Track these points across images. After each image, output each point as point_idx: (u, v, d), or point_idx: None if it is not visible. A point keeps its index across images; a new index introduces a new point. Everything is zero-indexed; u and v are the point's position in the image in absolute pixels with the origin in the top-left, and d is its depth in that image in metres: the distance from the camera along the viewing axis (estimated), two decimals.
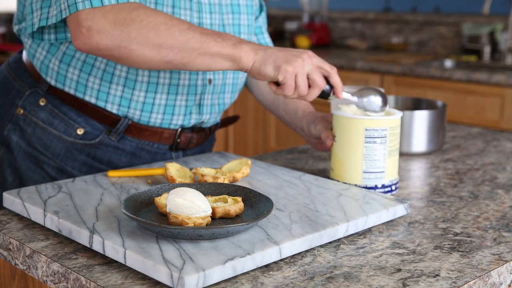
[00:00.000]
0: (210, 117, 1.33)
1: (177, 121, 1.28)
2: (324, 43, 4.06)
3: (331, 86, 1.14)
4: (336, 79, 1.13)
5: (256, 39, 1.46)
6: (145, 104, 1.23)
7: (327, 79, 1.14)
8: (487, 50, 3.34)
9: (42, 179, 1.27)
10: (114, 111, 1.24)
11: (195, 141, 1.34)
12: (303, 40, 3.94)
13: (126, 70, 1.20)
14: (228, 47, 1.08)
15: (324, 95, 1.14)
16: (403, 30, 3.82)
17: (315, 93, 1.12)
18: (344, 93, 1.15)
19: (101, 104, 1.23)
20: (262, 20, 1.47)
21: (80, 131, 1.25)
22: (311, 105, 1.39)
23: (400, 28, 3.83)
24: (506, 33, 3.30)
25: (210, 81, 1.28)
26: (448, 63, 3.34)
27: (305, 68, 1.09)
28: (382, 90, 1.34)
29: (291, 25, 4.22)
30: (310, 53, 1.11)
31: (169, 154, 1.32)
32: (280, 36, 4.34)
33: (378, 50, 3.89)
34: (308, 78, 1.11)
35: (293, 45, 4.01)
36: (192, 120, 1.30)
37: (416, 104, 1.63)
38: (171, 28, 1.06)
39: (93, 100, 1.23)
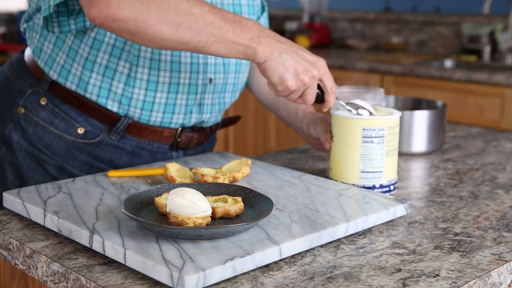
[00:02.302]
0: (210, 117, 1.33)
1: (178, 120, 1.28)
2: (324, 43, 4.06)
3: (323, 98, 1.16)
4: (329, 98, 1.15)
5: None
6: (145, 103, 1.23)
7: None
8: (487, 50, 3.35)
9: (43, 178, 1.27)
10: (115, 109, 1.24)
11: (196, 141, 1.34)
12: (303, 40, 3.94)
13: (128, 67, 1.21)
14: (245, 39, 1.05)
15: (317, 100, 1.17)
16: (403, 30, 3.82)
17: (299, 102, 1.14)
18: (338, 102, 1.17)
19: (102, 101, 1.23)
20: (264, 21, 1.47)
21: (80, 130, 1.25)
22: (312, 106, 1.39)
23: (400, 28, 3.83)
24: (506, 33, 3.30)
25: (210, 80, 1.28)
26: (448, 63, 3.34)
27: (306, 85, 1.10)
28: (381, 91, 1.34)
29: (291, 25, 4.22)
30: (323, 66, 1.11)
31: (169, 154, 1.32)
32: None
33: (378, 50, 3.89)
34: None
35: None
36: (193, 120, 1.30)
37: (416, 104, 1.63)
38: (192, 8, 1.02)
39: (94, 98, 1.23)
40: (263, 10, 1.46)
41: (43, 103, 1.26)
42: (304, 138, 1.36)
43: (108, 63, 1.21)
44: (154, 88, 1.23)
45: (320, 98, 1.16)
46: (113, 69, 1.21)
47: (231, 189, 1.01)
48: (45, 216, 0.95)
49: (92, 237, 0.87)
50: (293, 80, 1.08)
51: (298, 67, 1.08)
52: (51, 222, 0.94)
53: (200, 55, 1.25)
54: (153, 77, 1.22)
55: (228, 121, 1.48)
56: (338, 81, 1.61)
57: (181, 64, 1.23)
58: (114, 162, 1.28)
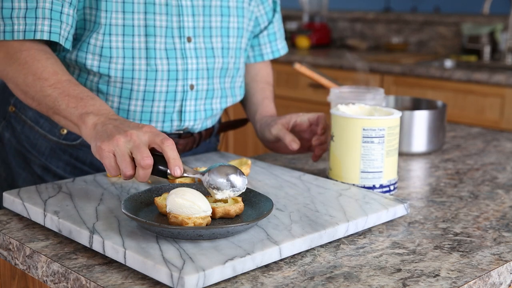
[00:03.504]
0: (194, 124, 1.29)
1: (156, 127, 1.24)
2: (324, 43, 4.06)
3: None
4: (169, 154, 0.93)
5: (269, 46, 1.44)
6: (120, 110, 1.22)
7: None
8: (487, 50, 3.35)
9: (30, 177, 1.27)
10: None
11: (181, 147, 1.30)
12: (303, 40, 3.94)
13: (99, 76, 1.19)
14: (74, 115, 1.04)
15: (161, 174, 0.95)
16: (403, 30, 3.82)
17: (144, 173, 0.93)
18: (188, 171, 0.95)
19: None
20: (277, 24, 1.44)
21: (63, 131, 1.25)
22: (274, 108, 1.39)
23: (400, 28, 3.84)
24: (506, 33, 3.30)
25: (192, 86, 1.25)
26: (448, 63, 3.34)
27: (125, 146, 0.93)
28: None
29: (291, 25, 4.21)
30: (146, 128, 0.96)
31: None
32: None
33: (378, 50, 3.89)
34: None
35: (293, 45, 4.01)
36: (174, 127, 1.27)
37: (416, 104, 1.63)
38: (35, 81, 1.08)
39: None
40: (274, 12, 1.43)
41: None
42: (259, 138, 1.35)
43: (80, 72, 1.20)
44: (128, 96, 1.21)
45: (163, 171, 0.95)
46: (84, 78, 1.20)
47: None
48: (45, 216, 0.95)
49: (92, 237, 0.87)
50: (106, 142, 0.94)
51: (112, 132, 0.95)
52: (51, 222, 0.94)
53: (179, 61, 1.22)
54: (126, 85, 1.19)
55: (235, 124, 1.46)
56: (339, 81, 1.61)
57: (158, 72, 1.20)
58: (96, 165, 1.27)
